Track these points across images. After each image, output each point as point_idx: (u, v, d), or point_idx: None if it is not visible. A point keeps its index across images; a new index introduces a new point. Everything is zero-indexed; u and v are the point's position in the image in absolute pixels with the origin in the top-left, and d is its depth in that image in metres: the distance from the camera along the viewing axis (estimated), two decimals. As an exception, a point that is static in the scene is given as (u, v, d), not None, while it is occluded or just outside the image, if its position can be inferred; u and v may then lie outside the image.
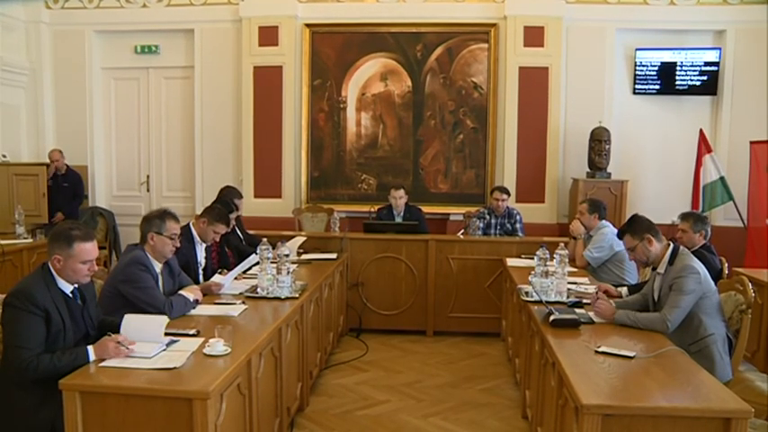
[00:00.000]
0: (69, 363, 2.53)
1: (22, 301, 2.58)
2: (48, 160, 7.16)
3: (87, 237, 2.76)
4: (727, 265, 4.44)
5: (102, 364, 2.52)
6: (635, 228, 3.53)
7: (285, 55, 7.34)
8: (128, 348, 2.61)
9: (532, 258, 4.28)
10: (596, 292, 3.63)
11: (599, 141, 6.90)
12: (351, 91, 7.41)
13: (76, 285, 2.80)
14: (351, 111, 7.44)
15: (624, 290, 4.14)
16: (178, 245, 3.60)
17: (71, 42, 7.72)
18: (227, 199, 5.30)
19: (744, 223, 6.73)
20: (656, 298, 3.49)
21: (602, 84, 7.21)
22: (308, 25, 7.34)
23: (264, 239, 4.08)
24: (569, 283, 4.00)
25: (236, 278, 4.13)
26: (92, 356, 2.57)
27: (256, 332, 3.11)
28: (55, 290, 2.70)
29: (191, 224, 4.46)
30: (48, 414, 2.53)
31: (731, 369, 3.28)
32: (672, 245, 3.49)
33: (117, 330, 2.74)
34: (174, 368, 2.48)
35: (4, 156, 7.22)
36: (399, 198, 6.21)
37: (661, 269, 3.46)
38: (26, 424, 2.59)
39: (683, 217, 4.38)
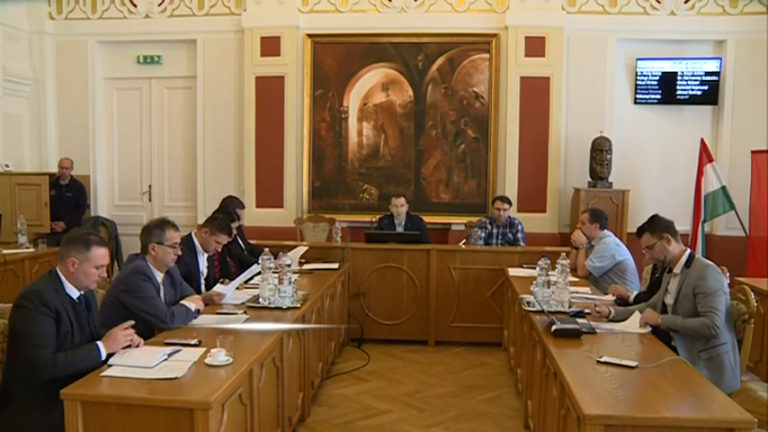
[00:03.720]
0: (84, 358, 2.61)
1: (34, 303, 2.62)
2: (53, 169, 7.23)
3: (103, 242, 2.86)
4: (728, 274, 4.43)
5: (104, 373, 2.52)
6: (654, 226, 3.58)
7: (287, 65, 7.37)
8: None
9: (534, 268, 4.27)
10: (594, 304, 3.69)
11: (600, 151, 6.90)
12: (352, 101, 7.44)
13: (83, 292, 2.84)
14: (352, 120, 7.46)
15: (633, 293, 4.19)
16: (179, 253, 3.61)
17: (74, 53, 7.77)
18: (228, 209, 5.32)
19: (745, 232, 6.72)
20: (671, 300, 3.49)
21: (603, 93, 7.22)
22: (309, 35, 7.37)
23: (266, 249, 4.09)
24: (571, 292, 4.00)
25: (237, 288, 4.13)
26: (103, 350, 2.66)
27: (258, 342, 3.10)
28: (63, 294, 2.75)
29: (193, 234, 4.47)
30: (48, 424, 2.53)
31: (740, 379, 3.29)
32: (689, 250, 3.53)
33: None
34: (176, 378, 2.48)
35: (7, 165, 7.24)
36: (400, 206, 6.22)
37: (677, 270, 3.49)
38: (27, 432, 2.59)
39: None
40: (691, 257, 3.48)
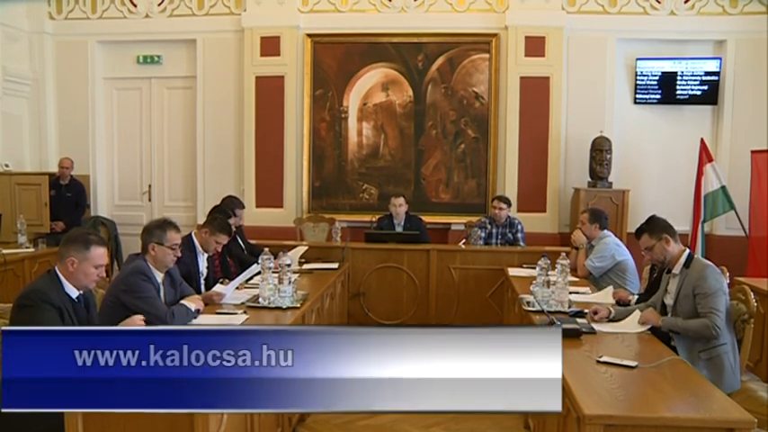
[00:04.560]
0: None
1: (36, 300, 2.64)
2: (54, 169, 7.22)
3: (102, 242, 2.88)
4: (728, 274, 4.43)
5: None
6: (653, 227, 3.57)
7: (287, 65, 7.37)
8: None
9: (534, 268, 4.26)
10: (594, 310, 3.64)
11: (600, 151, 6.90)
12: (352, 101, 7.43)
13: (82, 292, 2.84)
14: (352, 120, 7.46)
15: (634, 298, 4.19)
16: (179, 255, 3.61)
17: (74, 53, 7.76)
18: (225, 208, 5.32)
19: (745, 232, 6.72)
20: (671, 300, 3.49)
21: (603, 93, 7.21)
22: (309, 35, 7.36)
23: (266, 249, 4.09)
24: (571, 292, 4.00)
25: (237, 288, 4.12)
26: None
27: (258, 342, 3.10)
28: (62, 294, 2.76)
29: (192, 234, 4.47)
30: (48, 425, 2.52)
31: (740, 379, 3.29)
32: (687, 250, 3.53)
33: None
34: (176, 378, 2.48)
35: (7, 165, 7.23)
36: (399, 206, 6.21)
37: (676, 270, 3.49)
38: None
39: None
40: (690, 258, 3.47)
